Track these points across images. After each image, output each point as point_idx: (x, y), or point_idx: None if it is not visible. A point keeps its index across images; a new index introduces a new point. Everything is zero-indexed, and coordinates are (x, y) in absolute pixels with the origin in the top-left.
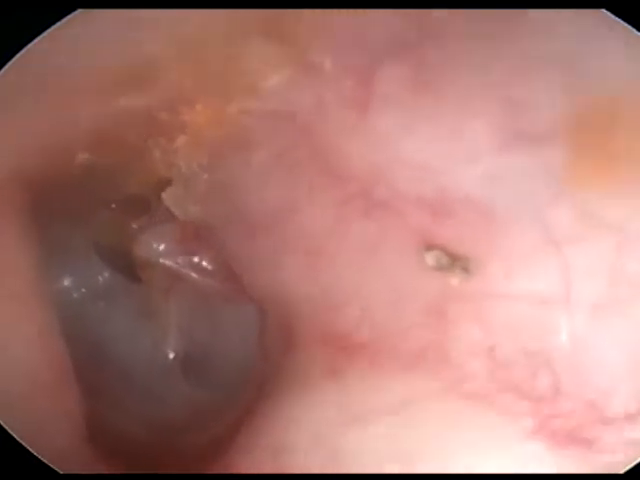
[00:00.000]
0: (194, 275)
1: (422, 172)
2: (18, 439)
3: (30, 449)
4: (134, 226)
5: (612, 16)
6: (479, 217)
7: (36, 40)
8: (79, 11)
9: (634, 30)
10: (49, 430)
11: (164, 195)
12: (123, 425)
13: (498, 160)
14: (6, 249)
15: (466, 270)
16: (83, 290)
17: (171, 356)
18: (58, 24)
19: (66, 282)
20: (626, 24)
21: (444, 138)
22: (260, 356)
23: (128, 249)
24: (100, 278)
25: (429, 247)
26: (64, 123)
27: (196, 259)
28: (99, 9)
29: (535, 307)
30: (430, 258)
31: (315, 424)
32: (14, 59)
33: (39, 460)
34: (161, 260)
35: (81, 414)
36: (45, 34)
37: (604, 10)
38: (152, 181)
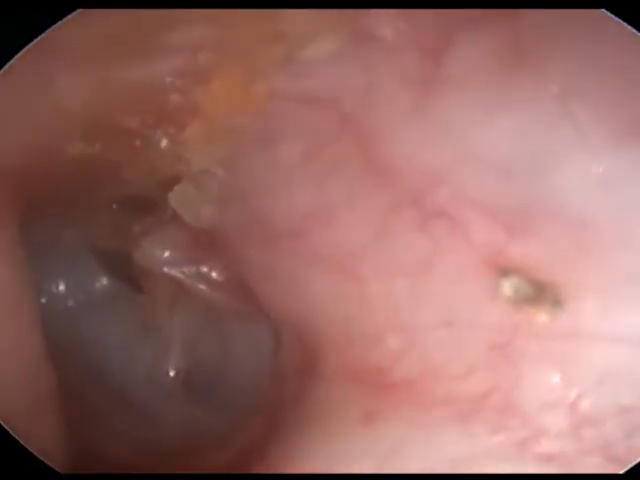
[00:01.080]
0: (202, 287)
1: (500, 174)
2: (18, 439)
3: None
4: (136, 229)
5: (612, 16)
6: (573, 234)
7: (36, 40)
8: (79, 11)
9: (634, 30)
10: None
11: (171, 195)
12: (113, 449)
13: (608, 159)
14: None
15: (558, 303)
16: (78, 297)
17: (172, 374)
18: (58, 24)
19: (59, 288)
20: (626, 24)
21: (534, 129)
22: (273, 384)
23: (129, 255)
24: (97, 285)
25: (504, 271)
26: (51, 107)
27: (204, 269)
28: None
29: (636, 352)
30: (507, 286)
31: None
32: (14, 59)
33: (39, 460)
34: (165, 269)
35: (58, 444)
36: (45, 34)
37: (604, 10)
38: (157, 178)
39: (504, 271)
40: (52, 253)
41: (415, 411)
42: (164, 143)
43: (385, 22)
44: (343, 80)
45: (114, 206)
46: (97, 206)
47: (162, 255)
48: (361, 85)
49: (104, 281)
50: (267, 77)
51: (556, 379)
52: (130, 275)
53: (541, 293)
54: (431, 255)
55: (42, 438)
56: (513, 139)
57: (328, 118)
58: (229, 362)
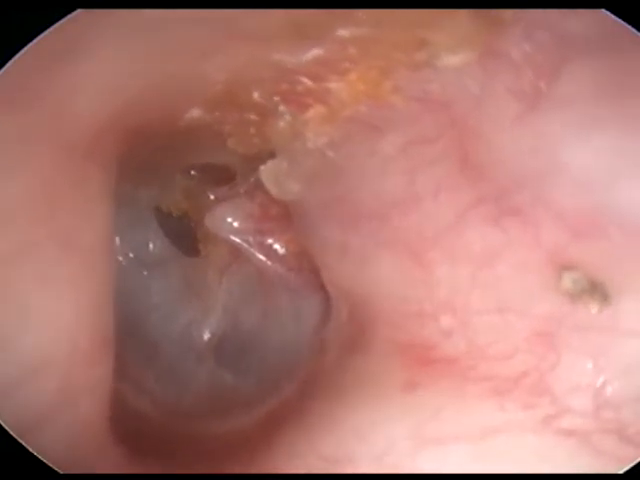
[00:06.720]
0: (261, 257)
1: (578, 184)
2: (17, 438)
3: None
4: (211, 196)
5: (612, 16)
6: (630, 241)
7: (36, 40)
8: (79, 11)
9: (634, 30)
10: (72, 402)
11: (263, 168)
12: (136, 403)
13: None
14: (89, 199)
15: (606, 298)
16: (130, 255)
17: (206, 337)
18: (58, 24)
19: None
20: (626, 24)
21: (620, 150)
22: (311, 355)
23: (196, 219)
24: (151, 245)
25: (565, 267)
26: (188, 72)
27: (269, 240)
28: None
29: None
30: (568, 279)
31: (381, 438)
32: (13, 59)
33: (39, 460)
34: (231, 236)
35: (108, 391)
36: (45, 34)
37: (604, 10)
38: (254, 151)
39: (565, 267)
40: (119, 209)
41: (455, 384)
42: (284, 120)
43: (514, 43)
44: (462, 88)
45: (192, 172)
46: (175, 170)
47: (231, 222)
48: (476, 94)
49: (158, 242)
50: (398, 76)
51: (588, 366)
52: (190, 239)
53: (594, 288)
54: (499, 248)
55: (94, 388)
56: (599, 157)
57: (438, 119)
58: (266, 331)
